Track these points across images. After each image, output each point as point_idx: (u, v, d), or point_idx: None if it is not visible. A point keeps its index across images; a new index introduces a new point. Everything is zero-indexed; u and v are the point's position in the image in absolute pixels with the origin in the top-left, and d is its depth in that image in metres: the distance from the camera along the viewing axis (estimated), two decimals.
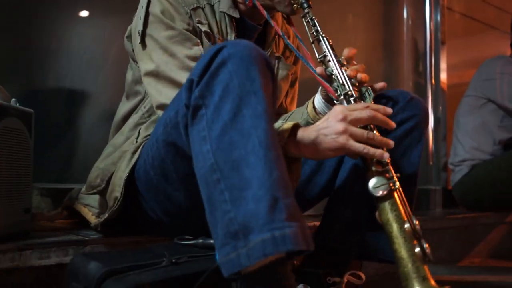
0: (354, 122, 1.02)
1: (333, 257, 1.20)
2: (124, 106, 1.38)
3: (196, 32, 1.23)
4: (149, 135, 1.23)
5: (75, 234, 1.28)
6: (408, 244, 0.97)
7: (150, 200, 1.18)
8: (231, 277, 0.82)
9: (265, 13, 1.27)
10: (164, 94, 1.16)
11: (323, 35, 1.22)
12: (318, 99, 1.31)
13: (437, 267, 2.20)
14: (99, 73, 1.74)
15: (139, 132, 1.27)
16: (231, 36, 1.28)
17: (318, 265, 1.18)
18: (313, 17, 1.25)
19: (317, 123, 1.05)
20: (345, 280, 1.17)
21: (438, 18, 3.14)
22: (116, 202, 1.18)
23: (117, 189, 1.19)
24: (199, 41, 1.21)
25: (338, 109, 1.03)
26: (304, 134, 1.03)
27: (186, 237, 1.14)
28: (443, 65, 3.17)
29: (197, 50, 1.19)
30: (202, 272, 0.94)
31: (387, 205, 1.01)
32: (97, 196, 1.29)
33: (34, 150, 1.23)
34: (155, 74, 1.19)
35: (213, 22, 1.26)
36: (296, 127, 1.04)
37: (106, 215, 1.21)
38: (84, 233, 1.28)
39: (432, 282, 0.94)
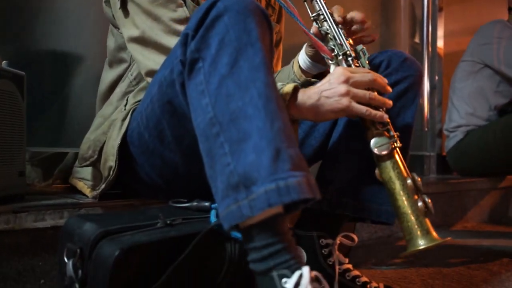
0: (356, 85, 1.02)
1: (326, 219, 1.21)
2: (108, 75, 1.35)
3: None
4: (138, 101, 1.21)
5: (70, 197, 1.28)
6: (411, 199, 1.01)
7: (144, 164, 1.18)
8: (231, 230, 0.82)
9: None
10: (152, 59, 1.14)
11: None
12: (303, 58, 1.28)
13: None
14: (92, 36, 1.71)
15: (127, 100, 1.24)
16: None
17: (311, 228, 1.19)
18: None
19: (318, 84, 1.04)
20: (338, 242, 1.18)
21: None
22: (111, 171, 1.17)
23: (110, 158, 1.17)
24: (182, 1, 1.17)
25: (340, 71, 1.03)
26: (306, 96, 1.02)
27: (181, 200, 1.14)
28: (440, 32, 3.14)
29: (182, 11, 1.15)
30: (197, 233, 0.94)
31: (389, 163, 1.04)
32: (90, 169, 1.28)
33: (26, 114, 1.22)
34: (141, 40, 1.16)
35: None
36: (296, 89, 1.03)
37: (103, 186, 1.20)
38: (79, 197, 1.29)
39: (435, 235, 0.99)
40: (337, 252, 1.18)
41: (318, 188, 0.81)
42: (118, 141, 1.15)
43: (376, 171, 1.07)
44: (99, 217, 1.01)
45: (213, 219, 1.00)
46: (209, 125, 0.84)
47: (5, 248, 1.09)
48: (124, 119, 1.18)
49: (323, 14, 1.17)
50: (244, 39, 0.85)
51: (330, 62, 1.14)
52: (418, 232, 0.98)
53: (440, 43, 3.13)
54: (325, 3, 1.18)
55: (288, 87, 1.02)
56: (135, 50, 1.18)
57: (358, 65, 1.11)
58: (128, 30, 1.18)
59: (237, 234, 0.87)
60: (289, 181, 0.77)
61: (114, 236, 0.90)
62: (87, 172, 1.29)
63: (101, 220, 0.96)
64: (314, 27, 1.18)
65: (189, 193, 1.16)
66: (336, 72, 1.03)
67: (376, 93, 1.05)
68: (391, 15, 2.98)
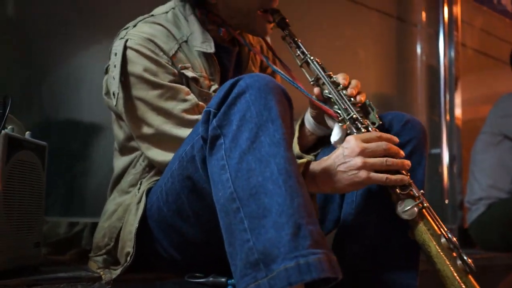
0: (372, 155, 1.01)
1: None
2: (119, 162, 1.31)
3: (181, 78, 1.19)
4: (152, 182, 1.20)
5: (84, 269, 1.26)
6: (449, 260, 0.98)
7: (162, 239, 1.16)
8: None
9: (241, 38, 1.26)
10: (167, 155, 1.13)
11: (311, 57, 1.19)
12: (307, 118, 1.27)
13: None
14: None
15: (140, 184, 1.22)
16: (214, 69, 1.25)
17: None
18: (296, 38, 1.21)
19: (332, 157, 1.02)
20: None
21: (452, 54, 3.13)
22: (129, 258, 1.13)
23: (128, 244, 1.14)
24: (188, 89, 1.17)
25: (354, 143, 1.01)
26: (321, 171, 1.01)
27: (196, 274, 1.12)
28: (458, 101, 3.13)
29: (191, 99, 1.15)
30: None
31: (420, 226, 1.01)
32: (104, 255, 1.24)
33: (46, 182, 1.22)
34: (156, 138, 1.15)
35: (193, 58, 1.22)
36: (308, 164, 1.02)
37: (119, 272, 1.14)
38: (93, 269, 1.26)
39: None
40: None
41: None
42: (135, 225, 1.13)
43: (409, 232, 1.04)
44: None
45: None
46: (229, 200, 0.84)
47: None
48: (139, 202, 1.16)
49: (321, 78, 1.16)
50: (265, 115, 0.86)
51: (339, 124, 1.11)
52: None
53: (458, 111, 3.12)
54: (321, 65, 1.17)
55: (301, 161, 1.01)
56: (148, 149, 1.16)
57: (366, 124, 1.08)
58: (139, 128, 1.16)
59: None
60: (309, 258, 0.76)
61: None
62: (101, 256, 1.24)
63: None
64: (316, 89, 1.17)
65: (206, 267, 1.14)
66: (350, 144, 1.01)
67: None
68: (407, 85, 3.01)
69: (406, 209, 1.01)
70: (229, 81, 0.91)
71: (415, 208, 1.00)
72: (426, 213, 1.02)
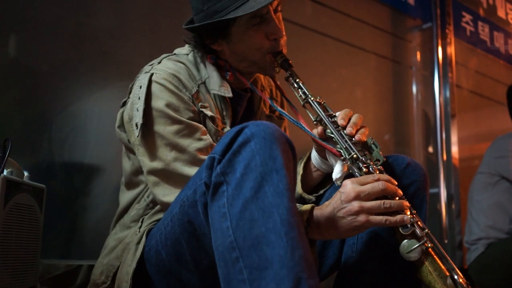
0: (368, 197, 0.99)
1: None
2: (125, 196, 1.32)
3: (199, 116, 1.21)
4: (153, 222, 1.19)
5: None
6: None
7: (158, 284, 1.14)
8: None
9: (248, 83, 1.28)
10: (173, 193, 1.12)
11: (312, 98, 1.19)
12: (314, 155, 1.27)
13: None
14: (109, 149, 1.73)
15: (142, 222, 1.22)
16: (227, 112, 1.27)
17: None
18: (297, 79, 1.22)
19: (332, 203, 1.01)
20: None
21: (447, 94, 3.17)
22: None
23: (123, 286, 1.12)
24: (205, 129, 1.19)
25: (349, 187, 1.00)
26: (323, 217, 1.01)
27: None
28: (454, 139, 3.15)
29: (206, 139, 1.16)
30: None
31: (425, 267, 0.98)
32: None
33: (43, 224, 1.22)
34: (164, 174, 1.15)
35: (209, 99, 1.25)
36: (313, 209, 1.02)
37: None
38: None
39: None
40: None
41: None
42: (133, 266, 1.12)
43: (417, 273, 1.00)
44: None
45: None
46: (228, 249, 0.83)
47: None
48: (138, 243, 1.16)
49: (323, 119, 1.16)
50: (270, 165, 0.87)
51: (343, 162, 1.11)
52: None
53: (454, 149, 3.13)
54: (323, 105, 1.18)
55: (306, 207, 1.01)
56: (155, 184, 1.16)
57: (368, 164, 1.07)
58: (149, 161, 1.16)
59: None
60: None
61: None
62: None
63: None
64: (319, 129, 1.17)
65: None
66: (346, 189, 1.00)
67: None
68: (404, 124, 3.04)
69: (409, 250, 0.98)
70: (234, 128, 0.92)
71: (419, 249, 0.98)
72: (432, 253, 0.98)
